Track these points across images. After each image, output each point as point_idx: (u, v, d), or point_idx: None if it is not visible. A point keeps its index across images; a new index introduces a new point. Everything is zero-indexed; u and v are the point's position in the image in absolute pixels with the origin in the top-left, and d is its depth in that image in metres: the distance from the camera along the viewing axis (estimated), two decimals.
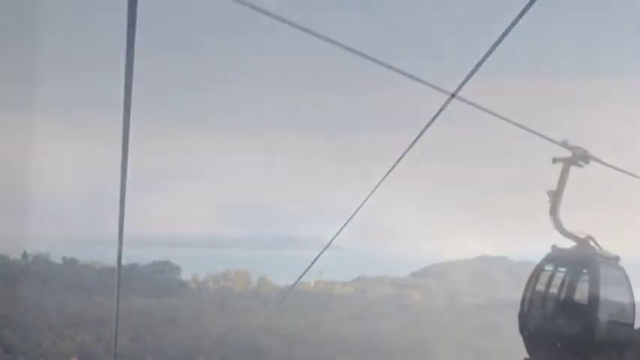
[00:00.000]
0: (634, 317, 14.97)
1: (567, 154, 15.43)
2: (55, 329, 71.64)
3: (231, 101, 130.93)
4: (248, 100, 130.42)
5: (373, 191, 13.47)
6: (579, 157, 15.38)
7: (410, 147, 11.54)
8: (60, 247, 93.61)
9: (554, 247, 15.26)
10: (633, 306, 14.98)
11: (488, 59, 9.48)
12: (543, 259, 15.27)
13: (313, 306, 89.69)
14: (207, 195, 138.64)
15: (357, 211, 14.05)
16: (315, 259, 15.65)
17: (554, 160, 15.49)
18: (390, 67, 10.11)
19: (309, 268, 16.19)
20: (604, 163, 15.65)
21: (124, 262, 10.98)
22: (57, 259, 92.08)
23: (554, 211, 15.29)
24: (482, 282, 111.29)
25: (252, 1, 7.33)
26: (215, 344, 75.21)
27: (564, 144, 15.32)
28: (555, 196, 15.35)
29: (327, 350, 76.69)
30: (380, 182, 13.04)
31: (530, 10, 8.59)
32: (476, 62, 9.63)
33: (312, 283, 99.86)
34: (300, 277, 17.53)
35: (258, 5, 7.53)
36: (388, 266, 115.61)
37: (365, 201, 13.89)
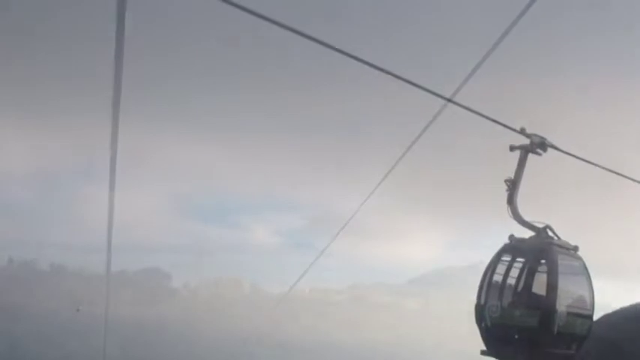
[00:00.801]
0: (593, 308, 14.71)
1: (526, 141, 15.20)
2: (43, 337, 71.43)
3: (230, 104, 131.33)
4: (247, 103, 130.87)
5: (369, 196, 13.36)
6: (537, 145, 15.14)
7: (406, 151, 11.44)
8: (47, 253, 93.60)
9: (511, 237, 15.03)
10: (592, 297, 14.72)
11: (485, 63, 9.33)
12: (500, 248, 15.03)
13: (307, 314, 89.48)
14: (200, 198, 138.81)
15: (352, 216, 13.93)
16: (310, 266, 15.50)
17: (512, 148, 15.28)
18: (385, 71, 9.93)
19: (303, 274, 15.99)
20: (562, 151, 15.42)
21: (113, 268, 10.77)
22: (44, 265, 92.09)
23: (511, 200, 15.08)
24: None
25: (245, 3, 7.17)
26: (207, 353, 74.97)
27: (522, 131, 15.12)
28: (513, 185, 15.15)
29: None
30: (376, 187, 12.92)
31: (528, 12, 8.40)
32: (472, 66, 9.48)
33: (307, 290, 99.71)
34: (294, 284, 17.33)
35: (250, 7, 7.37)
36: (385, 273, 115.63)
37: (360, 206, 13.74)
